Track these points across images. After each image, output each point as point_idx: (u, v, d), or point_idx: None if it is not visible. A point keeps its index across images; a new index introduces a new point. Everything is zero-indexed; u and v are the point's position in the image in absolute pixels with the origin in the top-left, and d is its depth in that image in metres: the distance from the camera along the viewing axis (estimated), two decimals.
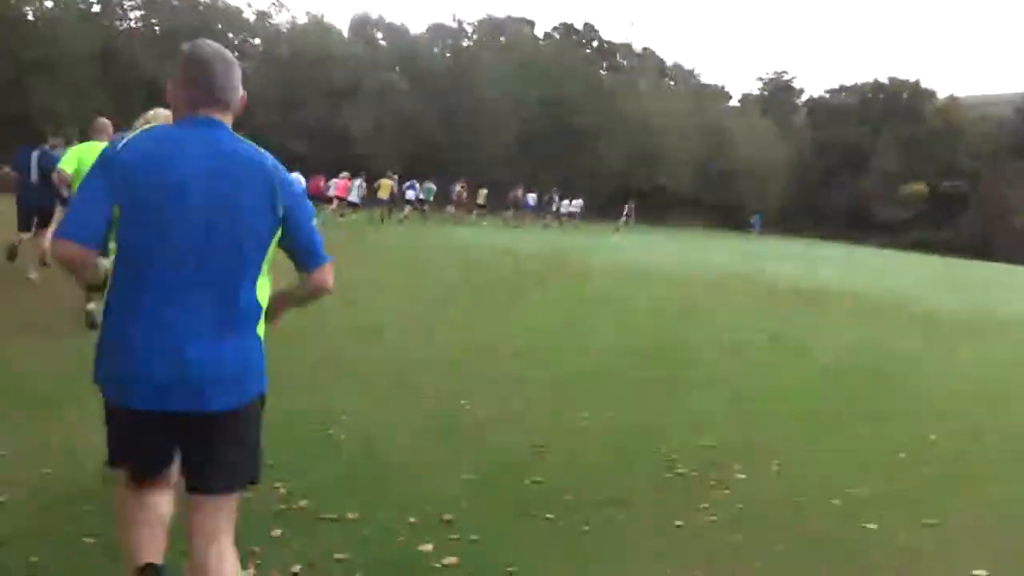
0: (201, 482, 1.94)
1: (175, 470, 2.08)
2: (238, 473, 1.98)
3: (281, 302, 2.10)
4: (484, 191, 30.92)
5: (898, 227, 53.56)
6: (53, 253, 1.87)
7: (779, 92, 59.94)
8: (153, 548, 2.02)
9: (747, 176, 51.49)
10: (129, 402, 1.85)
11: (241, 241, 1.88)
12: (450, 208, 29.50)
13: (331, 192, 23.62)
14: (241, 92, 2.01)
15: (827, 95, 60.50)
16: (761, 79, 61.91)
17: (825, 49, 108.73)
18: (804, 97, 61.23)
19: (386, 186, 25.49)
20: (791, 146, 55.41)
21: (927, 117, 56.30)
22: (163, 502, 2.09)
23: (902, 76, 58.90)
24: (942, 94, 58.02)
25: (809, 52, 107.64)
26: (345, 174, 23.96)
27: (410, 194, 26.50)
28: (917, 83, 57.83)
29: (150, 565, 1.98)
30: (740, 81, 68.69)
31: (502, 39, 47.12)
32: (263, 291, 1.97)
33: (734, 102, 59.22)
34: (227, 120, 1.97)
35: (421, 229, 23.58)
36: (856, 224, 54.51)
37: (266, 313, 2.00)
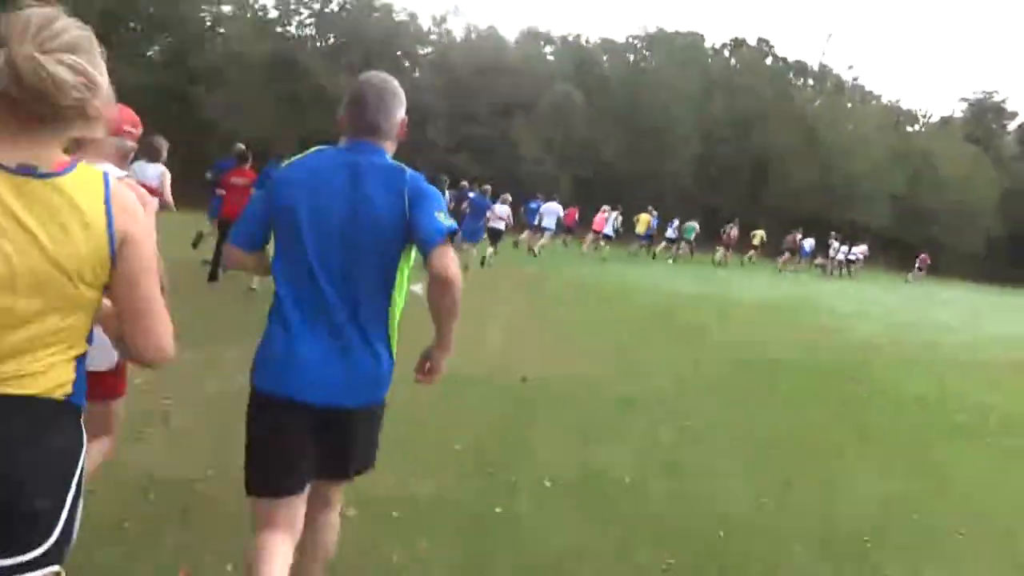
0: (335, 469, 2.19)
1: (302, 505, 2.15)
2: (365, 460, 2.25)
3: (438, 327, 2.10)
4: (760, 232, 28.99)
5: None
6: (225, 258, 2.24)
7: (986, 115, 52.34)
8: None
9: (951, 212, 44.75)
10: (285, 392, 2.00)
11: (380, 256, 2.03)
12: (720, 250, 27.13)
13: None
14: (399, 119, 2.13)
15: None
16: (966, 99, 54.32)
17: None
18: (1017, 121, 53.17)
19: (644, 221, 24.08)
20: (1001, 178, 47.93)
21: None
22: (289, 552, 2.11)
23: None
24: None
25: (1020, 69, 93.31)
26: (605, 207, 22.57)
27: (670, 232, 25.28)
28: None
29: None
30: (934, 102, 60.30)
31: (671, 54, 43.05)
32: (397, 304, 2.13)
33: (925, 126, 52.16)
34: (383, 145, 2.11)
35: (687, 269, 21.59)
36: None
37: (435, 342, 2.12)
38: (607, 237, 22.07)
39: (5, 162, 1.27)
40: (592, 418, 5.39)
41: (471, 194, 15.48)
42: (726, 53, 50.42)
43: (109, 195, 1.35)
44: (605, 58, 41.54)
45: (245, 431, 2.07)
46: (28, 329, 1.31)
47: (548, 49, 40.42)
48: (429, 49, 35.38)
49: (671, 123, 36.19)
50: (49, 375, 1.35)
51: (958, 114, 53.63)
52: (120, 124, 2.61)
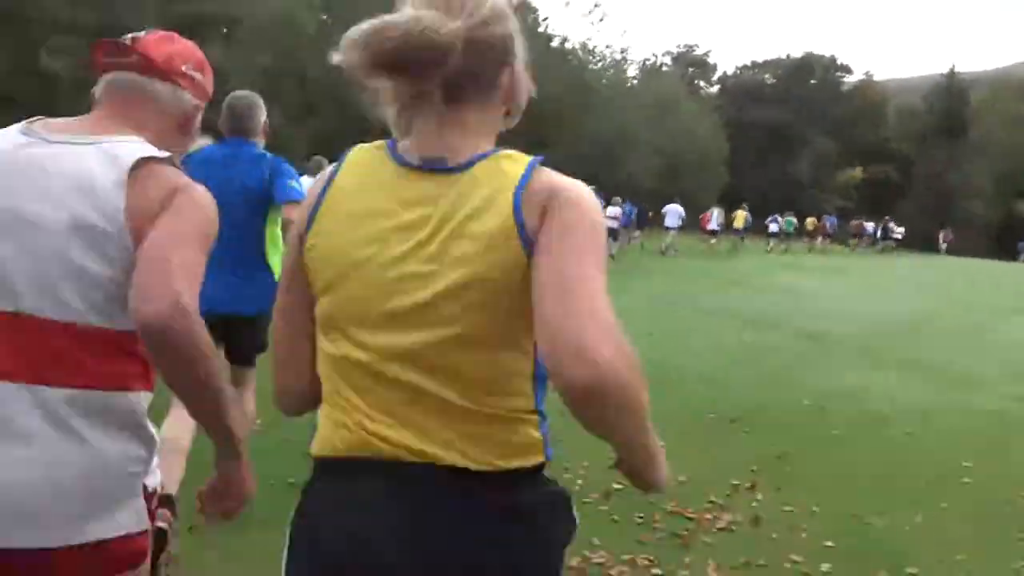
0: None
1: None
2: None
3: None
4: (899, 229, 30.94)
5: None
6: None
7: (691, 68, 51.02)
8: (172, 478, 2.58)
9: (692, 164, 41.81)
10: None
11: (248, 211, 3.09)
12: (819, 240, 28.87)
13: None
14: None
15: (739, 72, 52.77)
16: (669, 53, 52.50)
17: (730, 22, 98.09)
18: (717, 74, 52.80)
19: (740, 216, 25.75)
20: (718, 128, 46.57)
21: (849, 96, 50.57)
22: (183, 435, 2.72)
23: (818, 51, 52.94)
24: (857, 73, 52.84)
25: (713, 25, 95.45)
26: (712, 208, 25.35)
27: (772, 227, 26.77)
28: (834, 59, 51.98)
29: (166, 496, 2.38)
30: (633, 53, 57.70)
31: None
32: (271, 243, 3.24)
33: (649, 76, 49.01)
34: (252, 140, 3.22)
35: None
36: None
37: None
38: (714, 232, 24.60)
39: (409, 157, 1.05)
40: None
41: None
42: None
43: (520, 193, 1.00)
44: None
45: None
46: None
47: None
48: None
49: None
50: None
51: (663, 68, 51.52)
52: (172, 61, 1.35)
